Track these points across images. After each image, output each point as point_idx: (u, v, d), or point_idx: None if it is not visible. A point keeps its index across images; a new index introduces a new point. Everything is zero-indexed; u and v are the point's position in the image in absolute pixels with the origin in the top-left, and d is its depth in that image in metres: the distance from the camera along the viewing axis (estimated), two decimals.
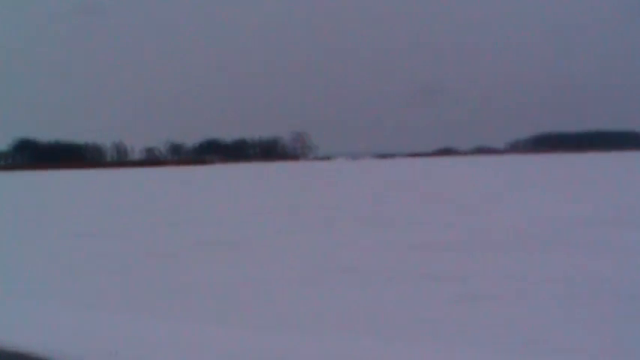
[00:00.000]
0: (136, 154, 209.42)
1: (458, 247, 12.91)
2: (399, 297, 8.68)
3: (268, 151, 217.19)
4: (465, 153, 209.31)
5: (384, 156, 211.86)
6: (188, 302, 8.84)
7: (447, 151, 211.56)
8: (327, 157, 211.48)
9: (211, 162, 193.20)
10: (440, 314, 7.73)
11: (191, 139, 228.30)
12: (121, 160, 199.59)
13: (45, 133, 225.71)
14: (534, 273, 9.94)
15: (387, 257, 11.87)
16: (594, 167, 64.50)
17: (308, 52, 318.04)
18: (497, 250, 12.29)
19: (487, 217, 18.67)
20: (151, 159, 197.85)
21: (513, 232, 14.92)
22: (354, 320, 7.63)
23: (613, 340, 6.61)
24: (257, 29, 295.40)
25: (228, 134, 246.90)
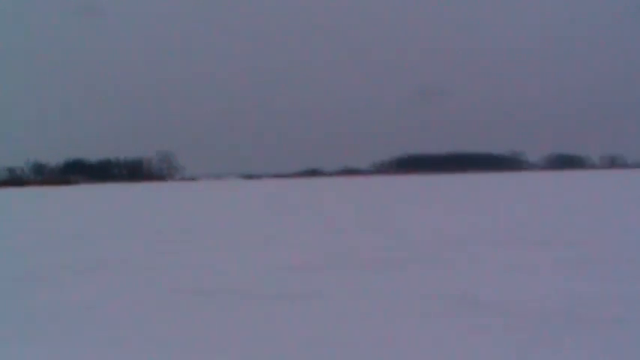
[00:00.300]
0: None
1: (321, 266, 12.84)
2: (254, 318, 8.49)
3: (134, 171, 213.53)
4: (331, 174, 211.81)
5: (250, 177, 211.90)
6: (46, 325, 8.42)
7: (313, 172, 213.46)
8: (193, 178, 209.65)
9: (76, 182, 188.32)
10: (297, 336, 7.57)
11: (55, 158, 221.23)
12: None
13: None
14: (402, 291, 9.95)
15: (246, 278, 11.68)
16: (455, 187, 66.46)
17: (174, 72, 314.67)
18: (364, 269, 12.30)
19: (354, 236, 18.77)
20: (13, 179, 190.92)
21: (381, 250, 15.01)
22: (200, 342, 7.41)
23: (482, 354, 6.63)
24: (118, 49, 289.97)
25: (93, 154, 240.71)
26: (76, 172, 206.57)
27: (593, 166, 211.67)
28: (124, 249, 17.33)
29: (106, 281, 11.86)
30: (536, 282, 10.43)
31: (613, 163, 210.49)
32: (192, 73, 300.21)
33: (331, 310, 8.82)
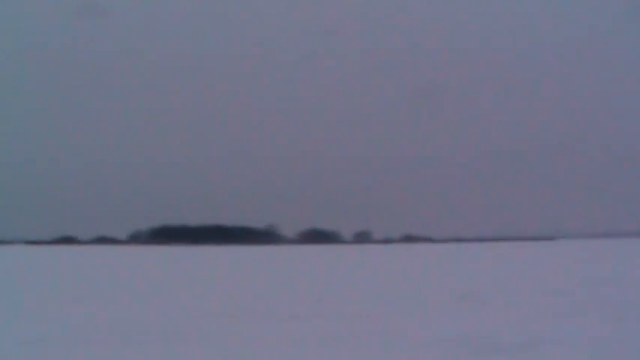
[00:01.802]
0: None
1: (73, 340, 12.73)
2: None
3: None
4: (86, 242, 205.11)
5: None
6: None
7: (67, 240, 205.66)
8: None
9: None
10: None
11: None
12: None
13: None
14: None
15: None
16: (213, 260, 66.80)
17: None
18: (92, 344, 12.34)
19: (105, 309, 18.57)
20: None
21: (125, 325, 14.96)
22: None
23: None
24: None
25: None
26: None
27: (343, 241, 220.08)
28: None
29: None
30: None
31: (362, 238, 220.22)
32: None
33: None
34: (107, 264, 57.54)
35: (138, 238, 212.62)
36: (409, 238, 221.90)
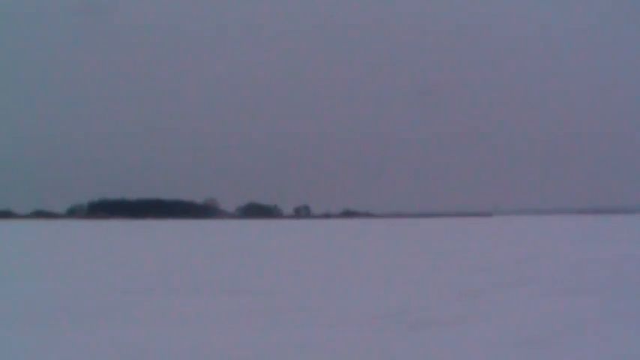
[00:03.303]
0: None
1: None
2: None
3: None
4: (23, 216, 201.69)
5: None
6: None
7: (4, 214, 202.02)
8: None
9: None
10: None
11: None
12: None
13: None
14: (87, 341, 10.13)
15: None
16: (151, 234, 66.40)
17: None
18: (50, 321, 12.29)
19: (38, 285, 18.42)
20: None
21: (58, 302, 14.90)
22: None
23: None
24: None
25: None
26: None
27: (283, 216, 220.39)
28: None
29: None
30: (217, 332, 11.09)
31: (302, 213, 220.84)
32: None
33: None
34: (45, 238, 56.83)
35: (77, 212, 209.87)
36: (348, 213, 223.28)
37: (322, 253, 33.61)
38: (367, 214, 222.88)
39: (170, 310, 13.48)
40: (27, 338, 10.48)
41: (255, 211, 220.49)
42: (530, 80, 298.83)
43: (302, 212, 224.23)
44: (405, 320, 12.04)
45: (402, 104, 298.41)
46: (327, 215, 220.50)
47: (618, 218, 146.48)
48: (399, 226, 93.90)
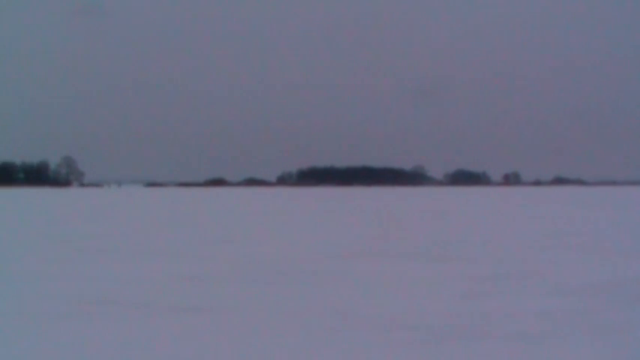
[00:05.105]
0: None
1: (222, 278, 12.85)
2: (154, 331, 8.45)
3: (35, 175, 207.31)
4: (236, 184, 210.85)
5: (153, 184, 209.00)
6: None
7: (218, 182, 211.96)
8: (95, 184, 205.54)
9: None
10: (196, 348, 7.58)
11: None
12: None
13: None
14: (294, 305, 10.04)
15: (147, 289, 11.60)
16: (357, 200, 67.10)
17: (80, 81, 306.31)
18: (258, 282, 12.36)
19: (253, 248, 18.78)
20: None
21: (277, 263, 15.08)
22: (104, 354, 7.34)
23: None
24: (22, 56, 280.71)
25: None
26: None
27: (491, 183, 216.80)
28: (23, 256, 16.94)
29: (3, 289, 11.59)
30: (437, 297, 10.69)
31: (511, 180, 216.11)
32: (98, 79, 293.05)
33: (219, 323, 8.85)
34: (256, 204, 58.78)
35: (286, 180, 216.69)
36: (560, 180, 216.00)
37: (531, 221, 32.38)
38: (579, 182, 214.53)
39: (378, 274, 13.24)
40: (249, 297, 10.54)
41: (463, 177, 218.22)
42: None
43: (511, 179, 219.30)
44: (626, 292, 11.10)
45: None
46: (537, 182, 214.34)
47: None
48: (612, 195, 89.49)
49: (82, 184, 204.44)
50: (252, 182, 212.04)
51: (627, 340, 7.97)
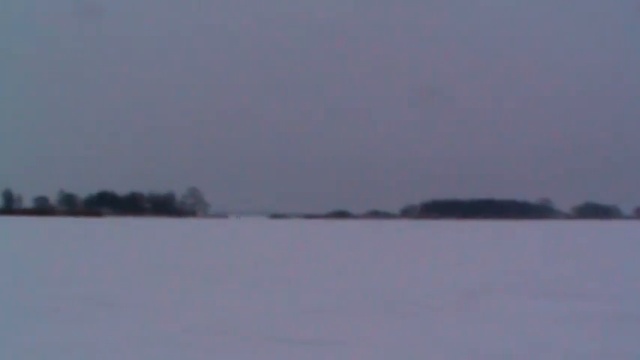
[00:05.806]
0: (25, 203, 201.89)
1: (342, 311, 12.65)
2: None
3: (162, 205, 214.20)
4: (359, 216, 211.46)
5: (277, 216, 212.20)
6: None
7: (341, 214, 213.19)
8: (221, 215, 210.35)
9: (103, 214, 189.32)
10: None
11: (84, 189, 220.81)
12: (8, 208, 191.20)
13: None
14: (415, 341, 9.74)
15: (266, 320, 11.51)
16: (482, 234, 65.97)
17: (205, 109, 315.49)
18: (381, 316, 12.10)
19: (376, 281, 18.53)
20: (42, 208, 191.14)
21: (404, 298, 14.79)
22: None
23: None
24: (159, 82, 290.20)
25: (121, 187, 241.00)
26: (104, 204, 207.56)
27: (622, 217, 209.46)
28: (142, 284, 17.23)
29: (118, 318, 11.71)
30: (564, 336, 10.17)
31: None
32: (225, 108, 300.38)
33: (343, 358, 8.64)
34: (379, 236, 58.56)
35: (409, 212, 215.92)
36: None
37: None
38: None
39: (510, 311, 12.76)
40: (374, 331, 10.30)
41: (591, 211, 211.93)
42: None
43: None
44: None
45: None
46: None
47: None
48: None
49: (208, 215, 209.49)
50: (375, 215, 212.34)
51: None
